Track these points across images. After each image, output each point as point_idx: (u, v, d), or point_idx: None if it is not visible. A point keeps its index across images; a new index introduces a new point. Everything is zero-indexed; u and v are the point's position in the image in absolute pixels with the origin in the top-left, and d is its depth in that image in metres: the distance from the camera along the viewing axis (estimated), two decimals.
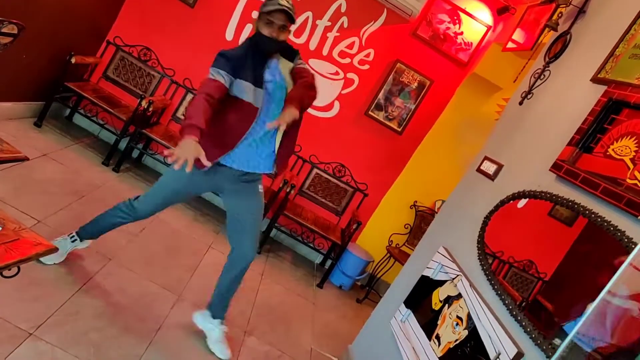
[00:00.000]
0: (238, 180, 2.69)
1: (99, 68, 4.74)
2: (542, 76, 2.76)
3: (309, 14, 4.67)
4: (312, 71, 2.87)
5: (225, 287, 2.84)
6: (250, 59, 2.54)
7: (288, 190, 4.40)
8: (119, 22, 4.72)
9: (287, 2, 2.52)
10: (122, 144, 4.44)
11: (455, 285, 2.60)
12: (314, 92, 2.68)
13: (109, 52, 4.73)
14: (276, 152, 2.70)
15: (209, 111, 2.35)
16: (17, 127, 3.98)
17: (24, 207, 3.03)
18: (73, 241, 2.82)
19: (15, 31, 2.38)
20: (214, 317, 2.88)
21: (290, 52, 2.72)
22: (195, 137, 2.21)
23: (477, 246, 2.60)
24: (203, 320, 2.91)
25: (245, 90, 2.50)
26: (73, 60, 4.18)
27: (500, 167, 2.74)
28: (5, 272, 1.75)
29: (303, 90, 2.61)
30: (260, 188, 2.80)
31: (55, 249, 1.90)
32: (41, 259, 2.61)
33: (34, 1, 3.57)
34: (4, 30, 2.28)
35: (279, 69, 2.63)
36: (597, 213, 1.87)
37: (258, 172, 2.70)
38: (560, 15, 2.83)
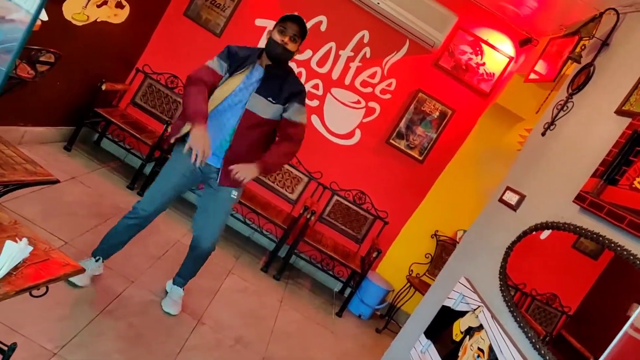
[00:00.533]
0: (211, 174, 2.84)
1: (128, 94, 4.88)
2: (565, 107, 2.77)
3: (332, 44, 4.76)
4: (305, 122, 2.91)
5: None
6: (248, 61, 2.74)
7: (308, 216, 4.42)
8: (148, 51, 4.87)
9: (302, 19, 2.72)
10: (148, 169, 4.53)
11: (477, 317, 2.57)
12: (287, 159, 2.95)
13: (138, 79, 4.87)
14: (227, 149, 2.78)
15: (207, 97, 2.61)
16: (48, 151, 4.10)
17: (52, 229, 3.10)
18: (97, 260, 2.91)
19: (53, 60, 2.49)
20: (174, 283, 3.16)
21: (293, 84, 2.83)
22: (204, 124, 2.46)
23: (499, 277, 2.57)
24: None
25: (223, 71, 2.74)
26: (104, 87, 4.31)
27: (522, 197, 2.73)
28: (35, 292, 1.79)
29: (278, 160, 2.83)
30: (234, 194, 2.89)
31: (83, 270, 1.95)
32: (73, 279, 2.77)
33: (70, 30, 3.72)
34: (42, 58, 2.38)
35: (258, 82, 2.76)
36: (623, 246, 1.85)
37: (211, 163, 2.80)
38: (583, 47, 2.85)
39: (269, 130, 2.86)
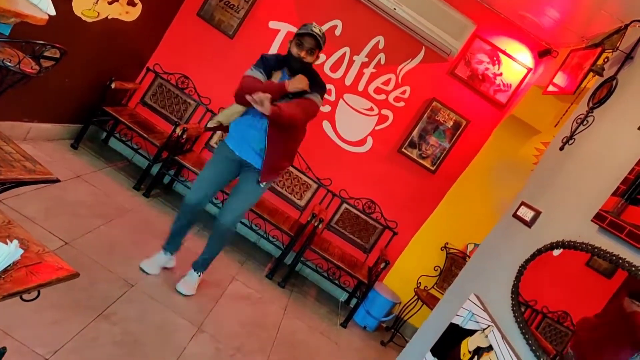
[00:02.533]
0: (242, 166, 3.21)
1: (137, 93, 4.83)
2: (585, 122, 2.66)
3: (347, 49, 4.68)
4: (316, 105, 3.10)
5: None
6: (278, 67, 3.04)
7: (316, 224, 4.33)
8: (159, 50, 4.83)
9: (319, 30, 2.95)
10: (154, 169, 4.47)
11: (487, 336, 2.46)
12: (292, 116, 2.95)
13: (148, 79, 4.82)
14: (265, 152, 3.10)
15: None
16: (54, 148, 4.06)
17: (53, 228, 3.04)
18: (165, 253, 3.37)
19: (58, 55, 2.42)
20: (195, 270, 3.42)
21: (316, 82, 3.07)
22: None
23: (511, 296, 2.47)
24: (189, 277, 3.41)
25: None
26: (113, 86, 4.27)
27: (538, 213, 2.62)
28: (25, 296, 1.72)
29: (295, 107, 2.96)
30: (263, 183, 3.21)
31: (77, 275, 1.87)
32: (142, 265, 3.28)
33: (80, 26, 3.67)
34: (47, 54, 2.32)
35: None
36: None
37: (248, 160, 3.15)
38: (606, 60, 2.74)
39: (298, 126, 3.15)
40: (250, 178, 3.20)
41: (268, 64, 3.04)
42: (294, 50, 2.95)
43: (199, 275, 3.42)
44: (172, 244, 3.38)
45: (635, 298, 1.91)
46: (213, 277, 3.75)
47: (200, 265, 3.40)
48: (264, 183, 3.22)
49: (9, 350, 2.12)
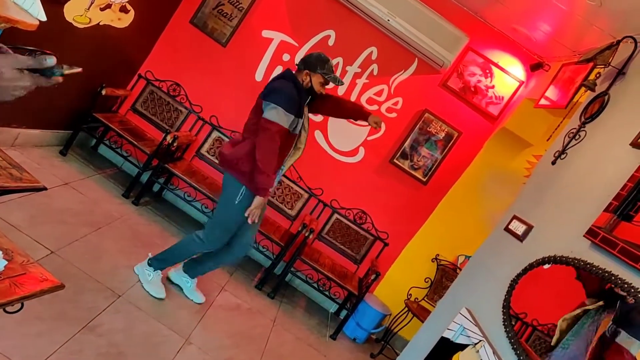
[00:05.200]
0: None
1: (128, 100, 4.79)
2: (577, 136, 2.66)
3: (340, 59, 4.68)
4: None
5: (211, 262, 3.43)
6: (299, 98, 3.08)
7: (307, 234, 4.30)
8: (151, 57, 4.79)
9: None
10: (144, 177, 4.42)
11: (478, 351, 2.44)
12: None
13: (139, 86, 4.78)
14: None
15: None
16: (42, 155, 4.00)
17: (39, 237, 2.99)
18: (154, 270, 3.31)
19: None
20: (185, 271, 3.46)
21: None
22: (268, 198, 3.06)
23: (503, 311, 2.45)
24: (177, 276, 3.48)
25: (294, 124, 3.07)
26: (104, 92, 4.23)
27: (529, 228, 2.61)
28: (9, 308, 1.68)
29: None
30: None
31: (62, 286, 1.83)
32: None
33: (71, 32, 3.64)
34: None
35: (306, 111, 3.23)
36: (638, 288, 1.73)
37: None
38: (598, 75, 2.75)
39: None
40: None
41: (292, 100, 3.03)
42: (317, 87, 3.13)
43: (156, 272, 3.30)
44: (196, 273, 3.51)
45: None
46: (202, 287, 3.70)
47: (156, 260, 3.31)
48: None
49: None
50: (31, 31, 2.42)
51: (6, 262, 1.63)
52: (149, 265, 3.29)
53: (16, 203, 3.10)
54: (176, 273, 3.49)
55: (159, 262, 3.29)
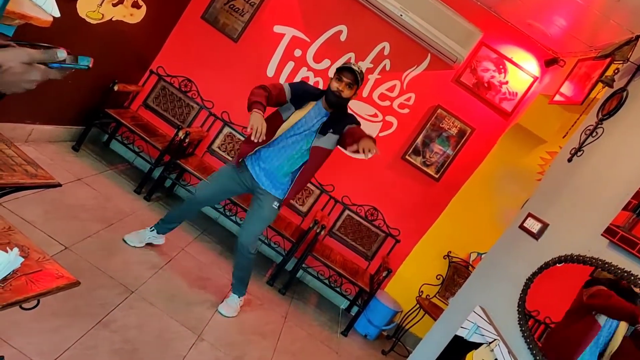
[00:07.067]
0: (257, 189, 3.29)
1: (140, 96, 4.79)
2: (594, 133, 2.62)
3: (352, 54, 4.65)
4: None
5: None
6: (314, 98, 3.17)
7: (318, 230, 4.29)
8: (163, 53, 4.79)
9: (358, 67, 3.11)
10: (156, 173, 4.43)
11: (492, 350, 2.42)
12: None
13: (151, 82, 4.78)
14: (293, 182, 3.24)
15: (266, 97, 2.95)
16: (55, 150, 4.02)
17: (53, 232, 3.00)
18: (151, 231, 3.53)
19: None
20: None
21: (345, 118, 3.23)
22: (260, 110, 2.83)
23: (518, 310, 2.43)
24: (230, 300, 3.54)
25: (288, 110, 3.15)
26: (116, 88, 4.23)
27: (545, 226, 2.58)
28: (25, 304, 1.68)
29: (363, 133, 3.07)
30: (275, 204, 3.28)
31: (77, 283, 1.83)
32: (125, 239, 3.45)
33: (84, 28, 3.64)
34: None
35: (317, 119, 3.19)
36: None
37: (267, 190, 3.25)
38: (616, 71, 2.71)
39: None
40: (268, 203, 3.28)
41: (301, 89, 3.18)
42: (334, 85, 3.10)
43: (239, 298, 3.54)
44: (163, 228, 3.58)
45: (585, 286, 2.21)
46: (213, 283, 3.71)
47: (236, 287, 3.52)
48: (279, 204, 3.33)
49: (6, 358, 2.08)
50: (45, 27, 2.43)
51: (22, 259, 1.63)
52: (234, 293, 3.53)
53: (29, 199, 3.11)
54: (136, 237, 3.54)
55: (240, 288, 3.54)
